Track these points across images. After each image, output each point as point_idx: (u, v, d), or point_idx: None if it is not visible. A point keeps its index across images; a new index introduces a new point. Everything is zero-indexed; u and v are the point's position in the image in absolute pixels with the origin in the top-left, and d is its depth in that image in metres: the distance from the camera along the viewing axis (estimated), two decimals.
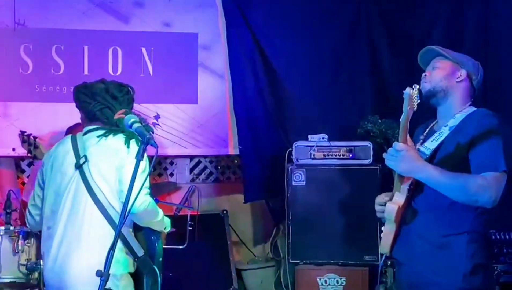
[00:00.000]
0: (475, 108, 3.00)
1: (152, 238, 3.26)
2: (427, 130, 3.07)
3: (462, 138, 2.88)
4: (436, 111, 3.07)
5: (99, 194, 3.12)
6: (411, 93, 2.71)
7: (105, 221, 3.10)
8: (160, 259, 3.28)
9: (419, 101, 2.78)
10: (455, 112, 2.98)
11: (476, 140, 2.84)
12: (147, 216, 3.19)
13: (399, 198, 2.91)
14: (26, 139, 4.21)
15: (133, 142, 3.15)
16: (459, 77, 3.00)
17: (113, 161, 3.14)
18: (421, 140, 3.03)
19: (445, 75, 2.99)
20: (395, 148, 2.81)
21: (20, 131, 4.28)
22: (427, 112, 3.08)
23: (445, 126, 2.96)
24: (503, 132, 2.86)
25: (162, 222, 3.33)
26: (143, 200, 3.10)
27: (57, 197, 3.19)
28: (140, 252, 3.17)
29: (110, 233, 3.05)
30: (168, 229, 3.39)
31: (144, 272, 3.16)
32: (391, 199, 2.95)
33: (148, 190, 3.18)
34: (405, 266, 3.00)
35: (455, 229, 2.86)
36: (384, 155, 2.87)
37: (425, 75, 3.04)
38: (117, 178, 3.13)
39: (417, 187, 2.90)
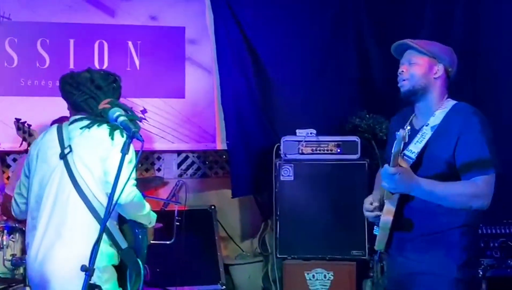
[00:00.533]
0: (454, 102, 2.99)
1: (136, 231, 3.21)
2: (407, 125, 3.05)
3: (446, 140, 2.88)
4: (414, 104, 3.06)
5: (83, 185, 3.08)
6: (404, 134, 2.71)
7: (89, 213, 3.06)
8: (145, 252, 3.25)
9: (409, 133, 2.80)
10: (434, 109, 2.98)
11: (461, 143, 2.84)
12: (133, 208, 3.16)
13: (391, 207, 2.91)
14: (21, 126, 4.17)
15: (117, 133, 3.12)
16: (436, 72, 2.98)
17: (97, 151, 3.11)
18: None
19: (423, 73, 2.97)
20: (387, 172, 2.79)
21: (15, 118, 4.25)
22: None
23: (427, 126, 2.95)
24: (486, 130, 2.86)
25: (148, 216, 3.29)
26: (129, 191, 3.07)
27: (41, 187, 3.16)
28: (124, 245, 3.14)
29: (94, 225, 3.04)
30: (153, 224, 3.35)
31: (128, 265, 3.13)
32: (380, 204, 2.95)
33: (135, 182, 3.15)
34: (399, 259, 3.00)
35: (449, 225, 2.88)
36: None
37: (402, 71, 3.01)
38: (103, 170, 3.10)
39: (406, 196, 2.90)
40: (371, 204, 3.01)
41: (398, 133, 2.70)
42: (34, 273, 3.11)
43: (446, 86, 3.02)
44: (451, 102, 2.99)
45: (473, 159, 2.81)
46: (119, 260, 3.16)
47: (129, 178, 2.81)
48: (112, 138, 3.12)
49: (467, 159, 2.82)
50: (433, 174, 2.85)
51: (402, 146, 2.76)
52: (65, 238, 3.05)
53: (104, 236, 3.03)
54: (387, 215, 2.91)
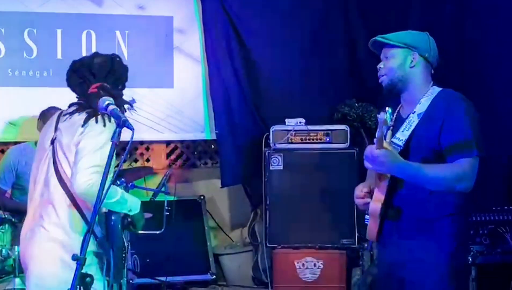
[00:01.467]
0: (439, 89, 2.99)
1: (112, 218, 3.14)
2: (394, 116, 3.06)
3: (432, 125, 2.88)
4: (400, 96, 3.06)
5: (61, 170, 3.07)
6: (385, 117, 2.72)
7: (66, 198, 3.04)
8: (122, 241, 3.10)
9: (392, 117, 2.80)
10: (419, 97, 2.97)
11: (446, 127, 2.85)
12: (92, 197, 3.06)
13: (380, 195, 2.92)
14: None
15: (92, 120, 3.06)
16: (412, 62, 2.97)
17: (72, 137, 3.07)
18: (391, 129, 3.03)
19: (398, 65, 2.96)
20: (371, 154, 2.81)
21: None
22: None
23: (413, 113, 2.96)
24: (471, 115, 2.87)
25: (121, 204, 3.11)
26: (85, 179, 2.93)
27: (36, 171, 3.17)
28: (100, 234, 3.11)
29: (70, 211, 3.02)
30: (134, 212, 3.17)
31: (103, 253, 3.11)
32: (370, 194, 2.96)
33: (98, 169, 2.96)
34: (389, 247, 3.02)
35: (438, 213, 2.89)
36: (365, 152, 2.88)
37: (380, 67, 3.00)
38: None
39: (395, 183, 2.91)
40: (362, 191, 3.02)
41: (379, 116, 2.71)
42: (21, 255, 3.13)
43: (428, 72, 3.01)
44: (436, 89, 2.99)
45: (457, 142, 2.82)
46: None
47: (94, 166, 2.86)
48: (85, 123, 3.07)
49: (451, 142, 2.83)
50: (420, 158, 2.87)
51: (385, 130, 2.77)
52: (44, 221, 3.02)
53: (83, 224, 3.02)
54: (376, 203, 2.92)
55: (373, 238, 3.03)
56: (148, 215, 3.47)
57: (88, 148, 2.92)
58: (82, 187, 2.93)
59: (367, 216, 3.01)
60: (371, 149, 2.82)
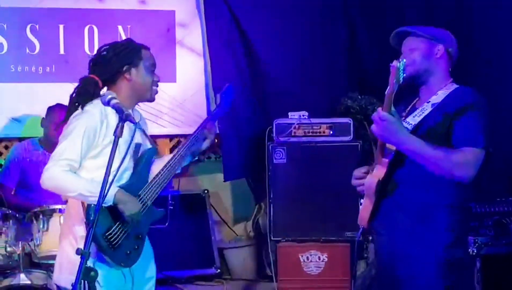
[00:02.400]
0: (458, 85, 3.00)
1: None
2: (409, 107, 3.07)
3: (444, 117, 2.88)
4: (419, 89, 3.06)
5: None
6: (398, 66, 2.70)
7: None
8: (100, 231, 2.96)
9: (404, 75, 2.76)
10: (437, 89, 2.98)
11: (457, 114, 2.85)
12: (55, 191, 3.07)
13: (379, 171, 2.91)
14: None
15: (78, 112, 3.05)
16: (437, 53, 2.97)
17: None
18: (403, 117, 3.03)
19: (424, 55, 2.96)
20: (379, 116, 2.79)
21: None
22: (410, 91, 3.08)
23: (428, 103, 2.96)
24: (484, 110, 2.87)
25: (83, 196, 2.95)
26: (44, 173, 2.94)
27: None
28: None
29: (70, 202, 3.07)
30: (109, 203, 2.95)
31: None
32: (371, 172, 2.96)
33: (57, 159, 2.94)
34: (385, 237, 3.01)
35: (436, 202, 2.88)
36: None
37: (403, 58, 2.92)
38: None
39: (398, 161, 2.90)
40: (360, 172, 3.01)
41: (392, 64, 2.69)
42: None
43: (449, 68, 3.02)
44: (455, 86, 3.00)
45: (464, 131, 2.82)
46: None
47: (54, 155, 2.91)
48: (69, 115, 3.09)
49: (459, 131, 2.82)
50: None
51: (396, 87, 2.73)
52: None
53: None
54: (374, 177, 2.90)
55: (364, 223, 3.01)
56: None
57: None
58: (41, 180, 2.96)
59: (361, 200, 3.00)
60: (380, 111, 2.80)
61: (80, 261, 2.42)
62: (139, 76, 3.13)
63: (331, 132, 5.01)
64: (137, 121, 3.14)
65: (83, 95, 3.09)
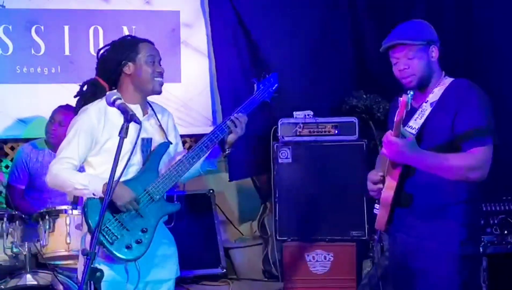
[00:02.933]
0: (451, 79, 3.00)
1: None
2: (410, 92, 3.05)
3: (445, 114, 2.90)
4: None
5: None
6: (407, 100, 2.73)
7: None
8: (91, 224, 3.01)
9: (413, 101, 2.79)
10: (433, 86, 2.98)
11: (459, 116, 2.86)
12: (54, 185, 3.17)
13: (392, 182, 2.92)
14: None
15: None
16: (433, 56, 2.98)
17: None
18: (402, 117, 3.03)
19: (425, 63, 2.96)
20: (388, 140, 2.83)
21: None
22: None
23: (426, 102, 2.97)
24: (484, 103, 2.87)
25: (78, 190, 3.09)
26: (48, 169, 3.12)
27: None
28: None
29: None
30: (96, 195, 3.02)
31: None
32: (383, 179, 2.95)
33: (64, 160, 3.08)
34: (401, 237, 3.01)
35: (451, 199, 2.90)
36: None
37: (405, 68, 2.96)
38: None
39: (408, 171, 2.92)
40: (377, 175, 3.01)
41: (401, 98, 2.70)
42: None
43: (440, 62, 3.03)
44: (449, 79, 3.01)
45: (470, 130, 2.83)
46: None
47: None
48: None
49: (465, 131, 2.84)
50: (433, 147, 2.88)
51: (404, 114, 2.76)
52: None
53: None
54: (389, 190, 2.92)
55: (382, 227, 3.02)
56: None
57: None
58: (46, 179, 3.15)
59: (376, 205, 3.01)
60: (389, 135, 2.81)
61: (86, 262, 2.43)
62: (137, 70, 3.15)
63: (336, 132, 5.00)
64: (158, 114, 3.26)
65: (86, 97, 3.17)
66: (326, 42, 5.50)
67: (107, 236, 2.97)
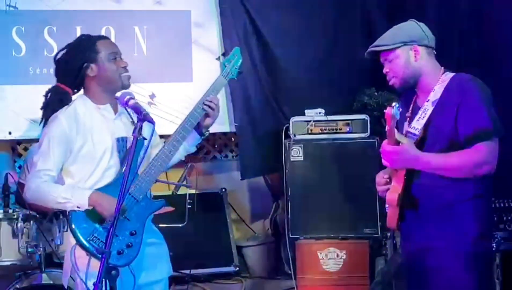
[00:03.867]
0: (451, 74, 2.98)
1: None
2: (411, 106, 3.06)
3: (447, 111, 2.88)
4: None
5: None
6: (392, 112, 2.74)
7: None
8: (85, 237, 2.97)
9: (399, 111, 2.80)
10: (433, 84, 2.97)
11: (461, 111, 2.85)
12: (38, 201, 3.09)
13: (397, 185, 2.93)
14: None
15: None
16: (415, 55, 2.96)
17: None
18: (408, 120, 3.03)
19: (403, 64, 2.96)
20: (385, 151, 2.86)
21: None
22: None
23: (427, 102, 2.95)
24: (485, 96, 2.87)
25: (62, 204, 3.00)
26: (26, 184, 3.04)
27: None
28: None
29: None
30: (82, 207, 2.97)
31: None
32: (390, 180, 2.96)
33: (42, 173, 2.98)
34: (411, 235, 3.02)
35: (460, 197, 2.89)
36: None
37: (387, 71, 3.01)
38: None
39: (412, 172, 2.92)
40: (383, 178, 3.02)
41: (386, 111, 2.73)
42: None
43: (433, 57, 3.01)
44: (449, 75, 2.98)
45: (474, 126, 2.81)
46: None
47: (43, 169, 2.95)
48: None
49: (468, 127, 2.82)
50: (438, 148, 2.87)
51: (395, 123, 2.78)
52: None
53: None
54: (393, 193, 2.93)
55: (393, 226, 3.03)
56: (170, 208, 3.47)
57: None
58: (23, 194, 3.08)
59: (387, 205, 3.02)
60: (385, 145, 2.85)
61: (101, 260, 2.44)
62: (101, 70, 3.08)
63: (348, 129, 5.01)
64: (130, 112, 3.14)
65: (53, 107, 3.10)
66: (338, 40, 5.50)
67: (96, 246, 2.90)
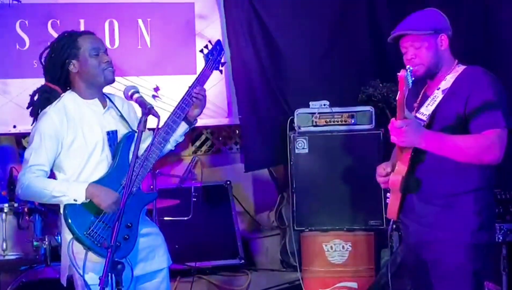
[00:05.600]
0: (464, 66, 2.99)
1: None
2: (420, 96, 3.06)
3: (457, 99, 2.89)
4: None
5: None
6: (406, 75, 2.73)
7: None
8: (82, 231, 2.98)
9: (413, 79, 2.78)
10: (445, 74, 2.98)
11: (472, 100, 2.85)
12: (29, 197, 3.10)
13: (402, 167, 2.92)
14: None
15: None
16: (442, 44, 2.97)
17: None
18: (416, 107, 3.02)
19: (433, 52, 2.96)
20: (394, 126, 2.82)
21: None
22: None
23: (438, 89, 2.96)
24: (497, 88, 2.87)
25: (55, 199, 3.01)
26: (19, 180, 3.01)
27: None
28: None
29: None
30: (78, 201, 2.97)
31: None
32: (393, 170, 2.96)
33: (35, 168, 2.98)
34: (413, 227, 3.02)
35: (461, 188, 2.89)
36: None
37: (412, 58, 2.97)
38: None
39: (418, 156, 2.91)
40: (384, 170, 3.02)
41: (400, 73, 2.70)
42: None
43: (451, 50, 3.01)
44: (462, 67, 3.00)
45: (483, 115, 2.81)
46: None
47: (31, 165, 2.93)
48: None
49: (477, 115, 2.82)
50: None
51: (406, 92, 2.75)
52: None
53: None
54: (397, 175, 2.92)
55: (393, 216, 3.03)
56: (175, 201, 3.48)
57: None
58: (16, 191, 3.06)
59: (388, 194, 3.02)
60: (393, 121, 2.82)
61: (107, 255, 2.45)
62: (82, 66, 3.07)
63: (353, 121, 4.99)
64: (118, 105, 3.17)
65: (40, 106, 3.11)
66: (343, 31, 5.48)
67: (94, 240, 2.91)
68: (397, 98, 2.78)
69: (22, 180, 2.98)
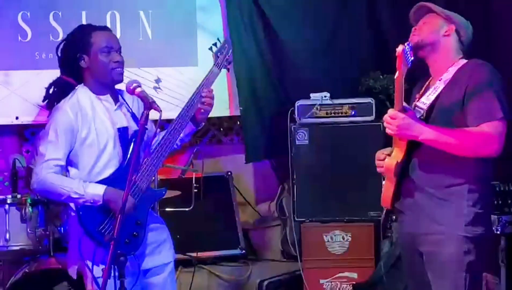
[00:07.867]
0: (467, 60, 3.02)
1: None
2: (424, 87, 3.09)
3: (456, 91, 2.90)
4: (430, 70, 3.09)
5: None
6: (405, 48, 2.73)
7: None
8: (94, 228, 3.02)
9: (412, 58, 2.79)
10: (447, 67, 3.00)
11: (469, 92, 2.86)
12: (47, 194, 3.10)
13: (398, 153, 2.95)
14: None
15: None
16: (446, 31, 3.01)
17: None
18: (417, 98, 3.05)
19: (433, 30, 3.01)
20: (389, 116, 2.85)
21: None
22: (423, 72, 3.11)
23: (440, 80, 2.99)
24: (495, 80, 2.88)
25: (72, 199, 3.02)
26: (35, 175, 3.00)
27: None
28: None
29: None
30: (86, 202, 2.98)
31: None
32: (390, 155, 2.99)
33: (52, 163, 2.97)
34: (407, 217, 3.04)
35: (456, 180, 2.90)
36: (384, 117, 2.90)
37: (415, 29, 3.06)
38: None
39: (415, 143, 2.92)
40: (383, 154, 3.04)
41: (398, 48, 2.72)
42: None
43: (458, 48, 3.04)
44: (464, 61, 3.02)
45: (479, 107, 2.82)
46: None
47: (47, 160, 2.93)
48: None
49: (474, 107, 2.83)
50: (443, 123, 2.88)
51: (405, 70, 2.76)
52: None
53: None
54: (393, 159, 2.94)
55: (387, 204, 3.05)
56: (176, 193, 3.49)
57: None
58: (31, 184, 3.06)
59: (383, 182, 3.04)
60: (390, 110, 2.85)
61: (111, 247, 2.47)
62: (92, 62, 3.06)
63: (353, 113, 5.01)
64: (128, 101, 3.17)
65: (56, 98, 3.12)
66: (343, 22, 5.47)
67: (105, 237, 2.88)
68: (395, 77, 2.78)
69: (39, 173, 2.97)
